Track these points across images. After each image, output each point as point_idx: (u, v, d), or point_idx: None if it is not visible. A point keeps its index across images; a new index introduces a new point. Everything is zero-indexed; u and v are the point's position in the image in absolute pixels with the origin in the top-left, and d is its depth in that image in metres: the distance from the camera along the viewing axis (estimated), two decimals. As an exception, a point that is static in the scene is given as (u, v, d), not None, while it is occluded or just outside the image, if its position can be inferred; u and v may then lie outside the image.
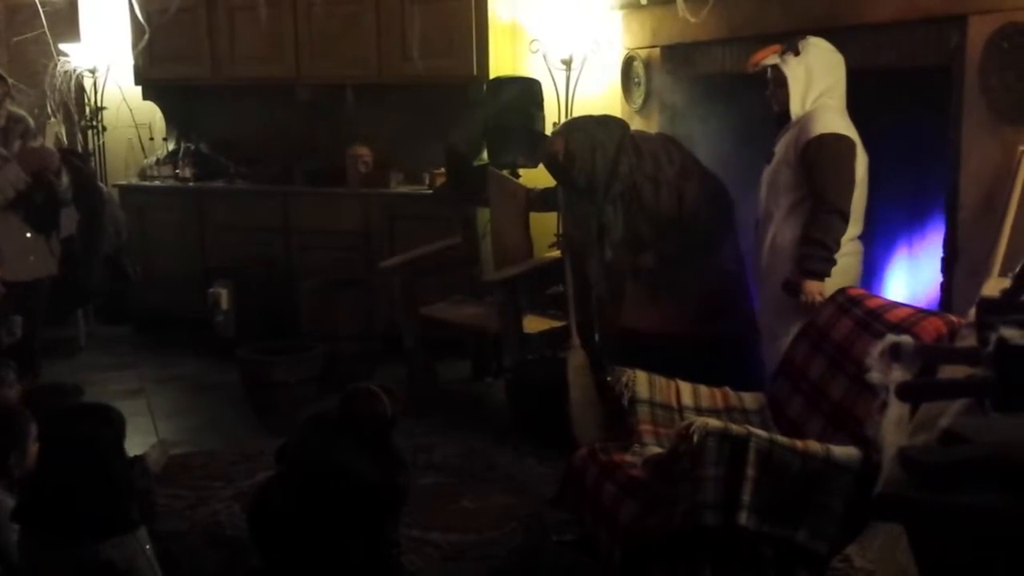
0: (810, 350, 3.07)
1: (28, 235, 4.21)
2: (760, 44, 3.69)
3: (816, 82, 3.50)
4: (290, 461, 3.02)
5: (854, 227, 3.53)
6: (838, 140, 3.42)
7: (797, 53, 3.51)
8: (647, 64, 5.01)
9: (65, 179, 4.33)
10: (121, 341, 5.51)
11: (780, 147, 3.62)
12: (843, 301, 3.04)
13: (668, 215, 4.05)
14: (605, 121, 4.19)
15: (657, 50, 4.92)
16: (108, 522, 2.45)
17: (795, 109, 3.53)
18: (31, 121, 4.36)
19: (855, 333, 2.84)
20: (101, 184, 5.02)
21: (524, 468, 4.01)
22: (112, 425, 2.58)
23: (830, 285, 3.41)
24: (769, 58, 3.58)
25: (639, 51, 5.05)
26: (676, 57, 4.78)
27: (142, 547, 2.51)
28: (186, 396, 5.05)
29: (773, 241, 3.62)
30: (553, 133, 4.13)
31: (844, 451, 2.46)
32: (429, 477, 3.93)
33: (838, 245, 3.42)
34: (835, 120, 3.46)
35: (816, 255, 3.42)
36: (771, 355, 3.66)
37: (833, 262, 3.42)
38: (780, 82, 3.56)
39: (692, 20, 4.25)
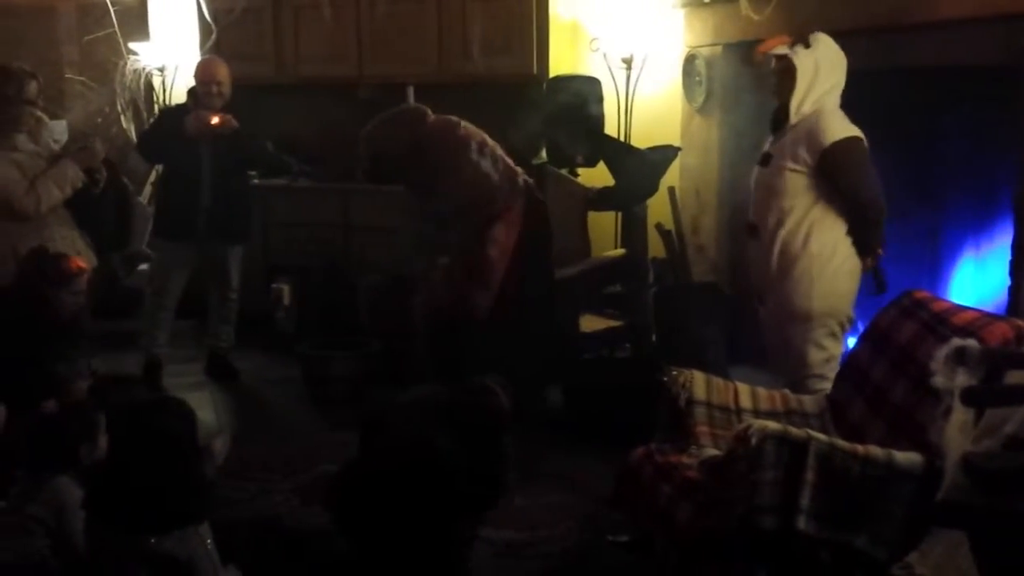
0: (873, 353, 3.03)
1: (74, 230, 4.32)
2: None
3: (821, 79, 3.51)
4: (386, 443, 2.97)
5: None
6: (855, 143, 3.47)
7: (808, 45, 3.49)
8: (709, 62, 4.97)
9: (104, 175, 4.44)
10: (185, 335, 5.61)
11: (779, 149, 3.58)
12: (908, 304, 2.98)
13: (443, 195, 4.24)
14: (398, 121, 4.31)
15: (720, 48, 4.89)
16: (174, 515, 2.49)
17: (795, 105, 3.51)
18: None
19: (920, 336, 2.79)
20: (126, 180, 5.18)
21: (579, 467, 4.00)
22: (186, 419, 2.62)
23: (847, 288, 3.55)
24: (778, 48, 3.55)
25: (701, 49, 5.01)
26: (739, 55, 4.74)
27: (203, 541, 2.55)
28: (249, 390, 5.13)
29: (787, 247, 3.58)
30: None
31: (906, 457, 2.42)
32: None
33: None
34: (841, 123, 3.49)
35: (877, 242, 3.58)
36: (788, 361, 3.64)
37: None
38: (787, 74, 3.53)
39: (755, 18, 4.22)
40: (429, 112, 4.35)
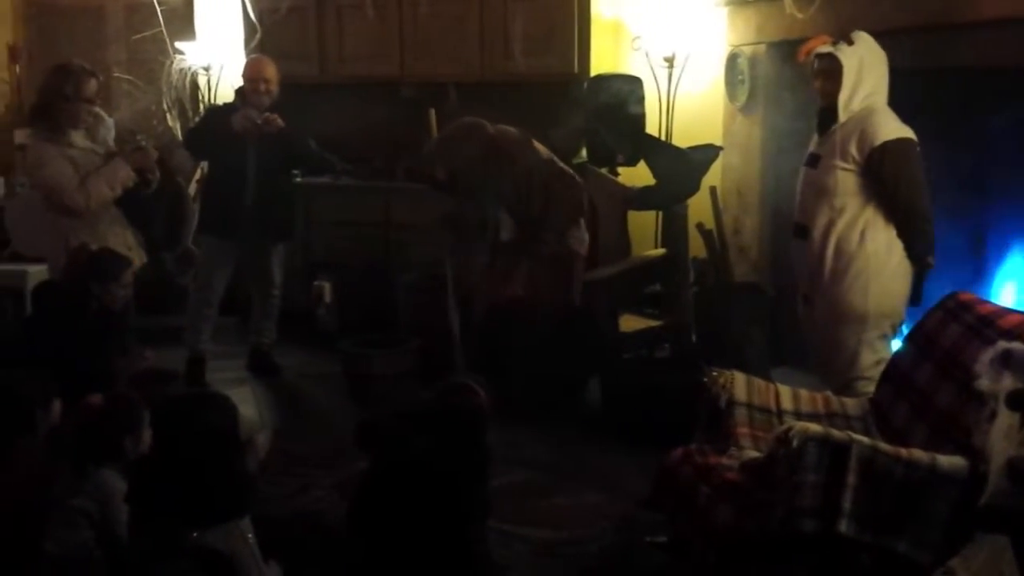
0: (917, 356, 2.99)
1: (126, 229, 4.38)
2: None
3: (866, 77, 3.48)
4: (385, 456, 3.01)
5: None
6: (906, 144, 3.43)
7: (851, 43, 3.46)
8: (752, 61, 4.93)
9: (157, 176, 4.50)
10: (228, 331, 5.67)
11: (828, 149, 3.56)
12: (953, 306, 2.95)
13: (526, 203, 4.46)
14: (468, 134, 4.52)
15: (763, 47, 4.85)
16: (216, 510, 2.52)
17: (843, 102, 3.48)
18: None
19: (965, 339, 2.76)
20: (181, 181, 5.25)
21: (617, 467, 3.99)
22: (229, 415, 2.65)
23: (901, 289, 3.52)
24: (822, 47, 3.53)
25: (744, 48, 4.98)
26: (782, 54, 4.70)
27: (244, 536, 2.57)
28: (290, 386, 5.17)
29: (842, 246, 3.54)
30: (428, 158, 4.68)
31: (950, 460, 2.39)
32: (521, 473, 3.94)
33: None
34: (894, 123, 3.45)
35: (927, 250, 3.53)
36: (838, 364, 3.61)
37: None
38: (831, 73, 3.51)
39: (799, 16, 4.18)
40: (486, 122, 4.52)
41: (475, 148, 4.46)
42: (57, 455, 2.96)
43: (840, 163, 3.52)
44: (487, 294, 4.66)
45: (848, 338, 3.58)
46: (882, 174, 3.44)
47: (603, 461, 4.08)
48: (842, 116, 3.52)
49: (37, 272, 5.24)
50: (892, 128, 3.43)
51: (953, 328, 2.85)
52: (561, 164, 4.52)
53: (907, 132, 3.44)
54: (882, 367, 3.46)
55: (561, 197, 4.43)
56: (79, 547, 2.70)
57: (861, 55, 3.47)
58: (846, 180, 3.51)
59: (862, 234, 3.52)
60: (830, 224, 3.56)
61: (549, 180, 4.43)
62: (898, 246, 3.53)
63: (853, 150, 3.48)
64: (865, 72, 3.47)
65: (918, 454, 2.42)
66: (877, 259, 3.51)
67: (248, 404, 4.75)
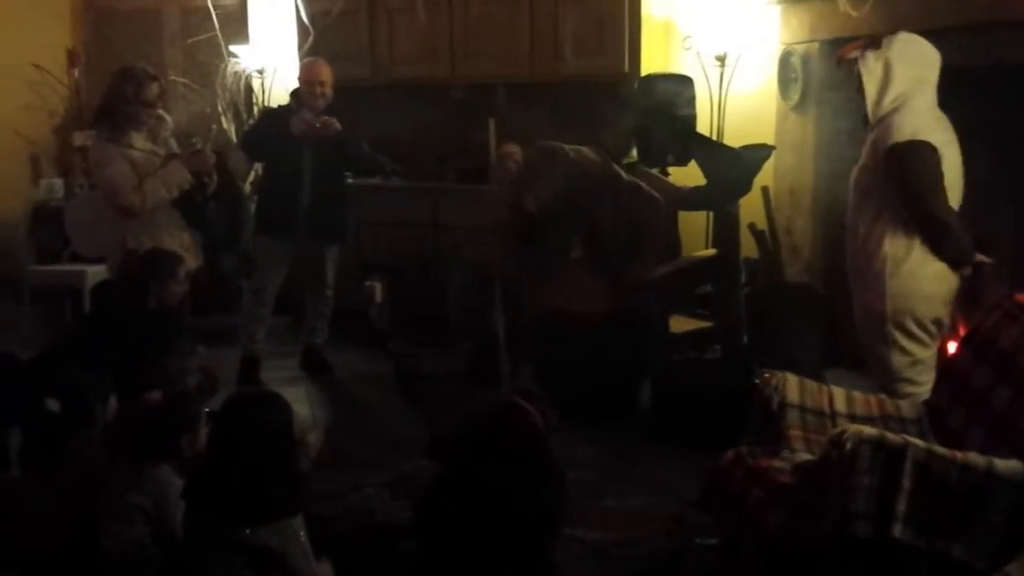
0: (974, 358, 2.94)
1: (183, 231, 4.45)
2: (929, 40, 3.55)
3: (897, 78, 3.38)
4: (454, 473, 2.99)
5: None
6: (917, 148, 3.30)
7: (877, 48, 3.39)
8: (805, 60, 4.88)
9: (215, 179, 4.57)
10: (281, 331, 5.74)
11: (866, 147, 3.51)
12: (1011, 307, 2.90)
13: (613, 232, 4.51)
14: (550, 159, 4.54)
15: (816, 45, 4.80)
16: (270, 507, 2.54)
17: (870, 107, 3.43)
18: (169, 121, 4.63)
19: (1022, 341, 2.71)
20: (240, 184, 5.32)
21: (667, 469, 3.98)
22: (283, 413, 2.68)
23: (927, 290, 3.39)
24: (851, 53, 3.48)
25: (797, 46, 4.93)
26: (836, 52, 4.64)
27: (297, 533, 2.60)
28: (342, 385, 5.23)
29: (863, 247, 3.50)
30: (517, 190, 4.61)
31: (1007, 464, 2.35)
32: (571, 475, 3.90)
33: (960, 236, 3.35)
34: (913, 124, 3.32)
35: (954, 255, 3.38)
36: (873, 366, 3.59)
37: (967, 247, 3.38)
38: (859, 78, 3.44)
39: (854, 14, 4.14)
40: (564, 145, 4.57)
41: (558, 173, 4.46)
42: (113, 451, 3.02)
43: (866, 162, 3.48)
44: (548, 305, 4.63)
45: (875, 339, 3.51)
46: (893, 175, 3.36)
47: (653, 463, 4.07)
48: (872, 119, 3.46)
49: (96, 272, 5.36)
50: (907, 130, 3.32)
51: (1011, 330, 2.80)
52: (641, 184, 4.52)
53: (923, 135, 3.30)
54: (921, 368, 3.41)
55: (649, 225, 4.49)
56: (134, 542, 2.75)
57: (888, 58, 3.38)
58: (869, 180, 3.46)
59: (882, 233, 3.43)
60: (857, 223, 3.52)
61: (632, 204, 4.47)
62: (921, 246, 3.41)
63: (875, 152, 3.43)
64: (897, 74, 3.37)
65: (974, 458, 2.39)
66: (894, 260, 3.42)
67: (300, 403, 4.80)
